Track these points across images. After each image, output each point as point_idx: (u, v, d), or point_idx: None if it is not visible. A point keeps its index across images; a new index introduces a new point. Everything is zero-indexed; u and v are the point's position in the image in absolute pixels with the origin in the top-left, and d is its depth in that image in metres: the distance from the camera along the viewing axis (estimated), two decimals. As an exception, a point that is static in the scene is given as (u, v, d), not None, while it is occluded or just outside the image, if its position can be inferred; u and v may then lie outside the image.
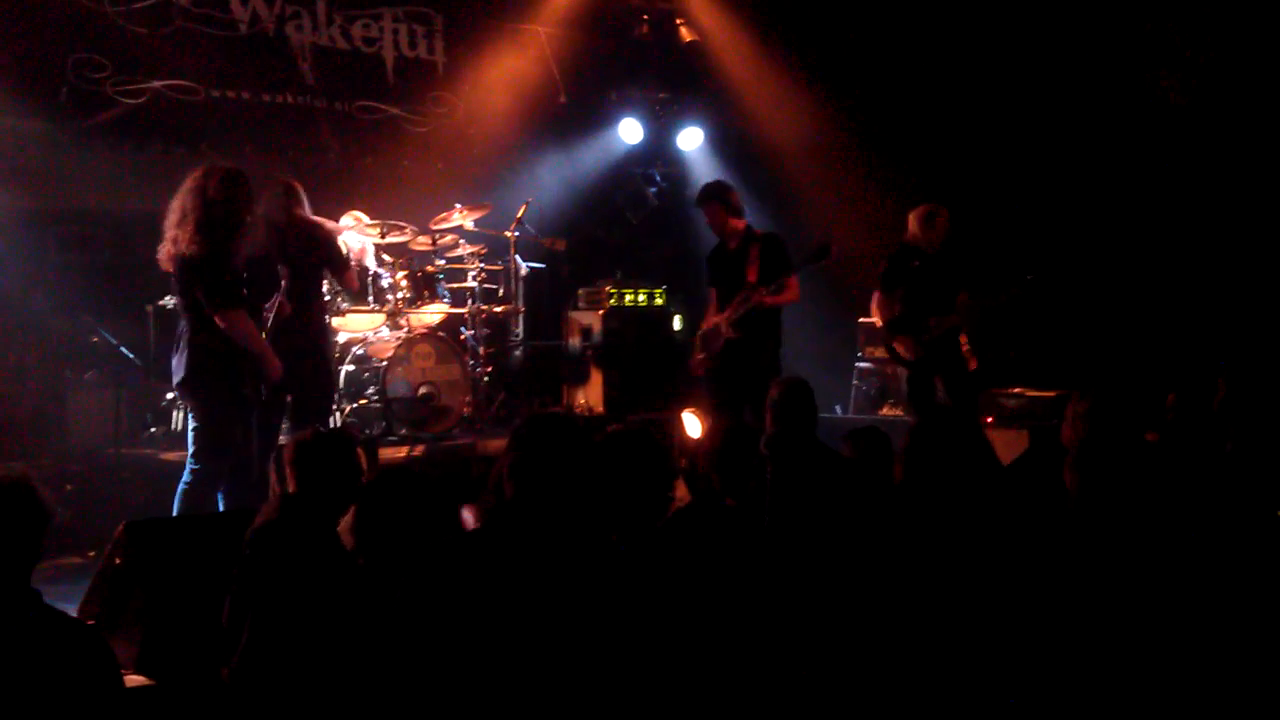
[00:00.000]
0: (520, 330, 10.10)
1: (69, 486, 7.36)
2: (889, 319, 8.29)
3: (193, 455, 6.21)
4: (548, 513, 3.55)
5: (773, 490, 5.66)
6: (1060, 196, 10.28)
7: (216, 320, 6.14)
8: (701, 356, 8.27)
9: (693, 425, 8.06)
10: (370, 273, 8.68)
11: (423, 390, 8.49)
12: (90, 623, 4.73)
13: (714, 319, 8.22)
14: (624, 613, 3.61)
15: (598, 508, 3.77)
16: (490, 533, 3.70)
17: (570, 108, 11.40)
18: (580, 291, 10.37)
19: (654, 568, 4.04)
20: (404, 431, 8.38)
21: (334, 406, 7.93)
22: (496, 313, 9.64)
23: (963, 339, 8.39)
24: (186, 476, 6.19)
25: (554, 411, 6.71)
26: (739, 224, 8.22)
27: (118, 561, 4.82)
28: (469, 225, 9.42)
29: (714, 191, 8.30)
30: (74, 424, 8.19)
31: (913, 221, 8.20)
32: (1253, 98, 8.54)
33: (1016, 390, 9.22)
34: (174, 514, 6.08)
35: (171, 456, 7.71)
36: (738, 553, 4.55)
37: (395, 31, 10.67)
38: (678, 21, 11.59)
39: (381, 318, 8.76)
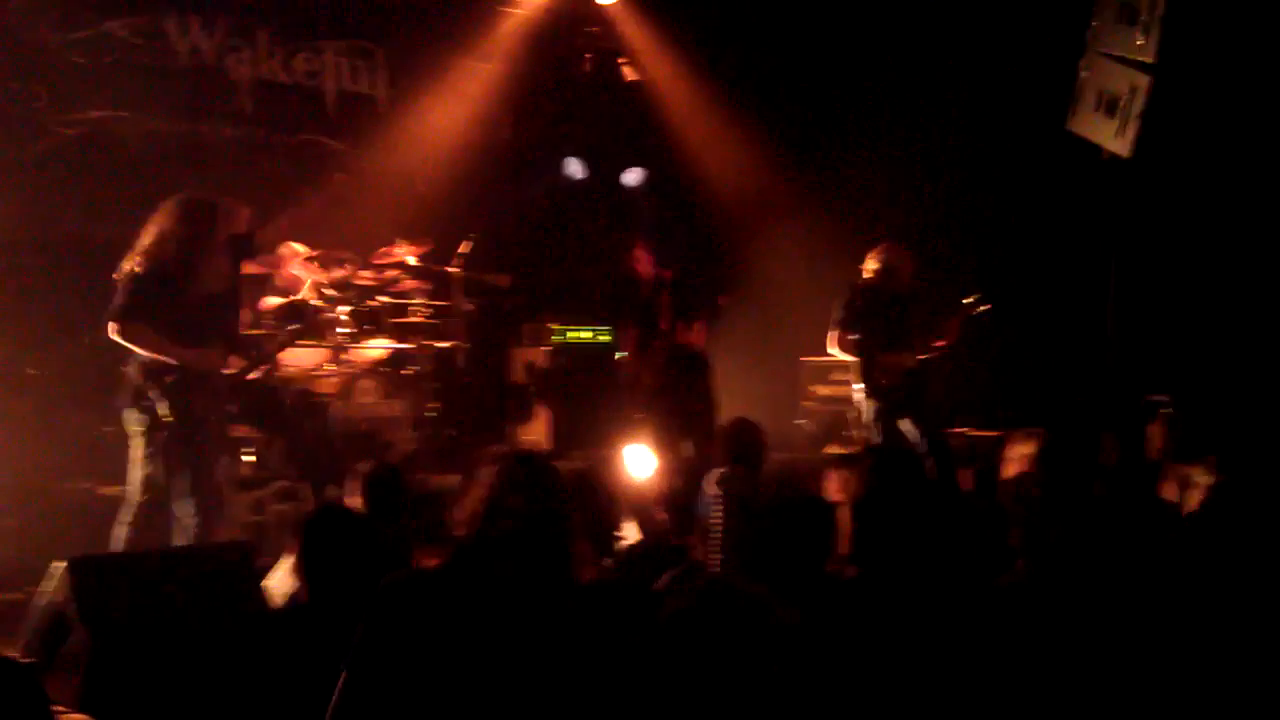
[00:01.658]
0: (464, 366, 10.05)
1: (9, 522, 7.23)
2: (864, 350, 8.27)
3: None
4: (515, 552, 3.52)
5: (725, 529, 5.69)
6: (995, 234, 10.44)
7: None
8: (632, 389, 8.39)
9: (638, 462, 8.05)
10: (311, 306, 8.62)
11: (365, 426, 8.42)
12: (29, 660, 4.64)
13: (635, 364, 8.35)
14: (578, 655, 3.57)
15: (560, 547, 3.73)
16: (453, 570, 3.65)
17: (513, 143, 11.41)
18: (524, 328, 10.36)
19: (604, 608, 4.02)
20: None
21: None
22: (440, 348, 9.59)
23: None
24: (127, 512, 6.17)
25: (533, 450, 6.61)
26: (650, 272, 8.38)
27: (58, 598, 4.73)
28: (411, 260, 9.39)
29: (638, 239, 8.50)
30: (9, 458, 8.02)
31: (885, 259, 8.23)
32: (1193, 143, 8.74)
33: (959, 430, 9.32)
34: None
35: (110, 490, 7.58)
36: (687, 593, 4.53)
37: (337, 65, 10.67)
38: (620, 61, 11.67)
39: (324, 353, 8.68)
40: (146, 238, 6.29)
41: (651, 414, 8.29)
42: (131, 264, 6.21)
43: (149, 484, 6.20)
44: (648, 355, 8.24)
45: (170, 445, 6.19)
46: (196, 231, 6.29)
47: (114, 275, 6.29)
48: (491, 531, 3.56)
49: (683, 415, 8.18)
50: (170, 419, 6.15)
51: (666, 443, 8.00)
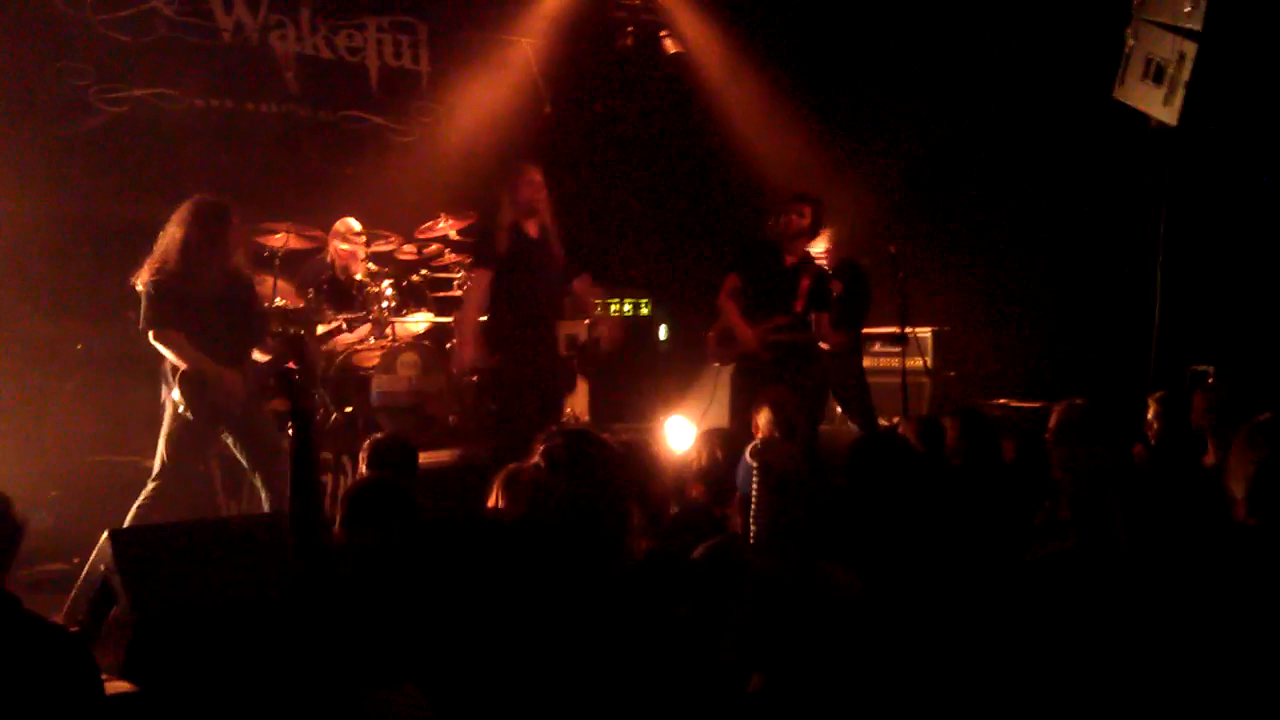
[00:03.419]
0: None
1: (53, 493, 7.34)
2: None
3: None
4: (563, 538, 3.50)
5: (759, 499, 5.66)
6: (1041, 203, 10.37)
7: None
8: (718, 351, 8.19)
9: (678, 435, 8.05)
10: (357, 283, 8.68)
11: (408, 400, 8.46)
12: (74, 629, 4.70)
13: (745, 329, 8.09)
14: (624, 631, 3.56)
15: (612, 529, 3.69)
16: (508, 546, 3.64)
17: (554, 118, 11.40)
18: (565, 300, 10.34)
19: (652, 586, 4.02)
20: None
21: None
22: (482, 322, 9.59)
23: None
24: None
25: (579, 428, 6.54)
26: (806, 244, 8.18)
27: (102, 568, 4.80)
28: (453, 235, 9.42)
29: (818, 201, 8.22)
30: (57, 430, 8.14)
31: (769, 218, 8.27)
32: (1240, 111, 8.64)
33: (1000, 401, 9.27)
34: None
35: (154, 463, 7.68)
36: (723, 564, 4.54)
37: (379, 41, 10.69)
38: (662, 34, 11.61)
39: (367, 326, 8.74)
40: (159, 244, 6.41)
41: (744, 381, 8.06)
42: (149, 273, 6.34)
43: (163, 463, 6.46)
44: (765, 327, 7.97)
45: (194, 433, 6.44)
46: (206, 235, 6.37)
47: (135, 284, 6.41)
48: (540, 515, 3.55)
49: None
50: (186, 411, 6.31)
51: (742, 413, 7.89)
